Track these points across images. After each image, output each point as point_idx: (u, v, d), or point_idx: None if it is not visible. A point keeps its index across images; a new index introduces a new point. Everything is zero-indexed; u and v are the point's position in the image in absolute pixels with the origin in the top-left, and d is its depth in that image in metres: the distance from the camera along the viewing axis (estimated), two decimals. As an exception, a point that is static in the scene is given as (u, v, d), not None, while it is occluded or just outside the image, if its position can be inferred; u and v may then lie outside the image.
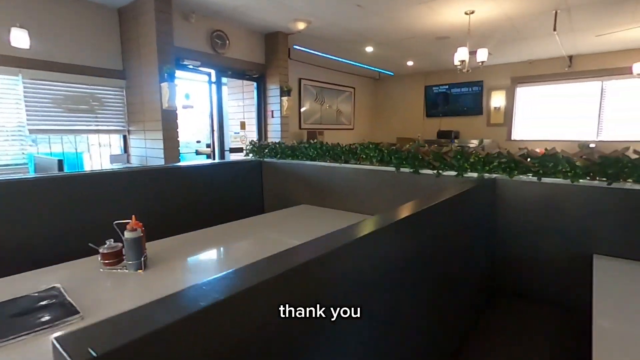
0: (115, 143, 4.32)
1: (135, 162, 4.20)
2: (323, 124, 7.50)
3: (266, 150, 2.87)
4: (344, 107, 8.08)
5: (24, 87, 3.42)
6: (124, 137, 4.27)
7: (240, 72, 4.91)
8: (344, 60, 6.71)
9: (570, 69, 6.54)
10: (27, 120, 3.47)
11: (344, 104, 8.03)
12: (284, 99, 5.03)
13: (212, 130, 4.71)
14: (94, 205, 1.88)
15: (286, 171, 2.76)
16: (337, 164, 2.43)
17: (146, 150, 4.01)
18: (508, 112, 7.32)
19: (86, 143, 4.16)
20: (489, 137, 7.30)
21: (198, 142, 4.78)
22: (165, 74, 3.60)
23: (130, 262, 1.30)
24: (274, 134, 5.20)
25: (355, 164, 2.36)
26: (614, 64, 6.12)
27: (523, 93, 7.20)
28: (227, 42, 4.53)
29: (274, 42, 4.99)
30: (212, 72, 4.60)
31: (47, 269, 1.31)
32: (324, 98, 7.41)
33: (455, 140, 7.41)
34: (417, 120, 8.52)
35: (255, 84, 5.17)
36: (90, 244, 1.35)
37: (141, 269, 1.30)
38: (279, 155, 2.77)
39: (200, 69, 4.40)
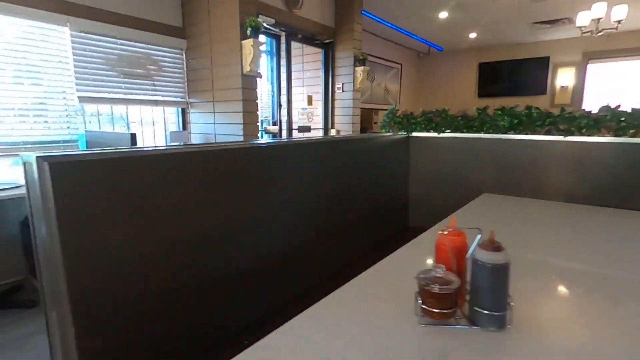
0: (169, 118, 3.58)
1: (197, 140, 3.47)
2: (372, 102, 6.77)
3: (412, 122, 2.17)
4: (391, 86, 7.34)
5: (72, 42, 2.66)
6: (182, 111, 3.53)
7: (309, 37, 4.15)
8: (405, 32, 5.95)
9: (656, 42, 5.85)
10: (77, 85, 2.72)
11: (391, 82, 7.29)
12: (359, 69, 4.29)
13: (280, 106, 3.97)
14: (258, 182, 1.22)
15: (451, 148, 2.08)
16: (551, 138, 1.76)
17: (214, 127, 3.28)
18: (577, 92, 6.65)
19: (138, 118, 3.41)
20: (552, 119, 6.63)
21: (264, 119, 4.05)
22: (249, 29, 2.84)
23: (481, 313, 0.63)
24: (342, 111, 4.48)
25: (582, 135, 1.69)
26: None
27: (595, 70, 6.51)
28: (301, -3, 3.76)
29: (347, 1, 4.22)
30: (282, 34, 3.83)
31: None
32: (375, 75, 6.67)
33: (519, 122, 6.73)
34: (466, 100, 7.81)
35: (322, 51, 4.41)
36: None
37: (503, 326, 0.63)
38: (434, 128, 2.08)
39: (271, 28, 3.64)
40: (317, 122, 4.55)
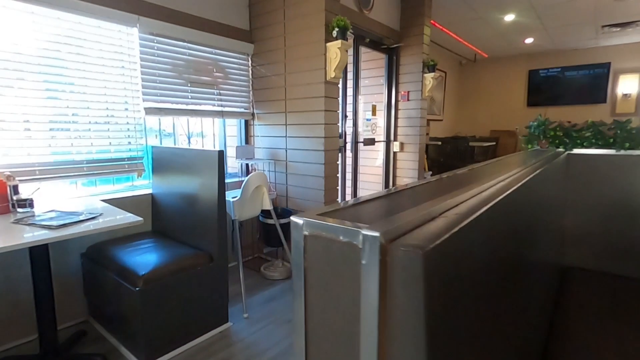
0: (226, 131, 3.22)
1: (262, 155, 3.10)
2: (419, 113, 6.37)
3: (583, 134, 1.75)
4: (436, 94, 6.94)
5: (140, 46, 2.32)
6: (245, 123, 3.17)
7: (377, 40, 3.79)
8: (455, 37, 5.57)
9: None
10: (144, 94, 2.37)
11: (435, 90, 6.89)
12: (428, 76, 3.91)
13: (345, 117, 3.59)
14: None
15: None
16: None
17: (285, 141, 2.91)
18: (641, 100, 6.16)
19: (196, 130, 3.06)
20: (614, 129, 6.14)
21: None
22: (336, 29, 2.48)
23: None
24: (406, 122, 4.08)
25: None
26: None
27: (663, 76, 6.02)
28: (372, -3, 3.41)
29: (417, 2, 3.86)
30: (351, 37, 3.47)
31: None
32: (422, 82, 6.28)
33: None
34: (514, 110, 7.36)
35: (386, 56, 4.04)
36: None
37: None
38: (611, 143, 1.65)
39: (341, 32, 3.28)
40: (379, 133, 4.16)
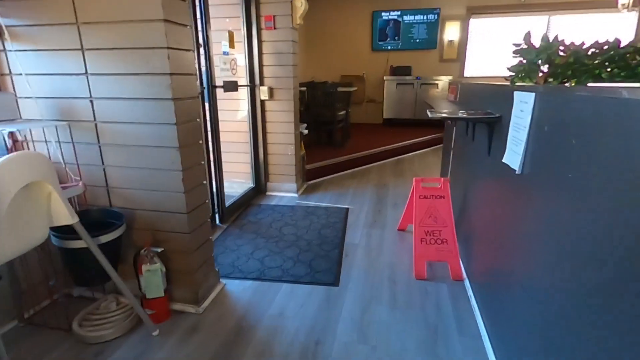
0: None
1: (40, 113, 1.60)
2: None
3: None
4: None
5: None
6: (-15, 48, 1.54)
7: None
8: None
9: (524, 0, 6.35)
10: None
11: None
12: (299, -5, 2.93)
13: (198, 47, 2.31)
14: None
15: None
16: None
17: (88, 83, 1.51)
18: (462, 47, 6.83)
19: None
20: (442, 74, 6.73)
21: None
22: None
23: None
24: (274, 59, 3.07)
25: None
26: (568, -3, 6.18)
27: (477, 25, 6.77)
28: None
29: None
30: None
31: None
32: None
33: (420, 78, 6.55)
34: (361, 54, 7.21)
35: (239, -38, 2.81)
36: None
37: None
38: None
39: None
40: (240, 75, 3.03)
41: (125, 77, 1.47)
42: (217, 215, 2.65)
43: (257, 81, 3.11)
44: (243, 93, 3.14)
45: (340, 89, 4.57)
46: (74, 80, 1.53)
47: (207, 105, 2.41)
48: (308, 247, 2.32)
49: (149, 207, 1.62)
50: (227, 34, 2.69)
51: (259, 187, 3.36)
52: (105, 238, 1.45)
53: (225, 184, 3.45)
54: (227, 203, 2.84)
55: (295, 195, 3.33)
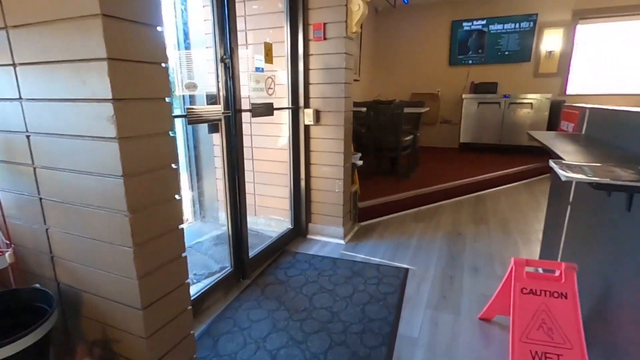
0: None
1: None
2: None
3: None
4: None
5: None
6: None
7: None
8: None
9: (656, -2, 4.99)
10: None
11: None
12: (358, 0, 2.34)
13: (221, 61, 1.84)
14: None
15: None
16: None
17: (22, 111, 1.07)
18: (564, 58, 5.62)
19: None
20: (537, 92, 5.56)
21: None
22: None
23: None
24: (324, 76, 2.50)
25: None
26: None
27: (585, 32, 5.53)
28: None
29: None
30: None
31: None
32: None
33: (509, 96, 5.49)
34: (437, 70, 6.37)
35: (285, -40, 2.32)
36: None
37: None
38: None
39: None
40: (281, 95, 2.52)
41: (62, 104, 0.98)
42: (232, 269, 2.10)
43: (301, 102, 2.56)
44: (285, 116, 2.61)
45: (408, 110, 3.84)
46: (7, 106, 1.09)
47: (223, 132, 1.90)
48: (343, 337, 1.64)
49: (99, 291, 1.11)
50: (263, 47, 2.19)
51: (298, 229, 2.78)
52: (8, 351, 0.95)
53: (262, 220, 2.94)
54: (256, 250, 2.29)
55: (342, 242, 2.67)
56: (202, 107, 1.73)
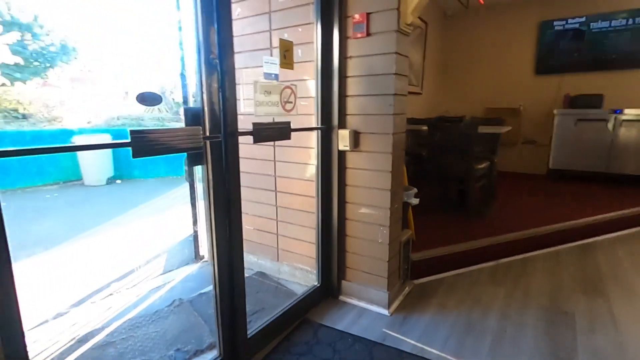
0: None
1: None
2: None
3: None
4: (413, 54, 4.74)
5: None
6: None
7: None
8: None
9: None
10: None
11: (412, 50, 4.68)
12: (413, -28, 1.66)
13: (211, 65, 1.29)
14: None
15: None
16: None
17: None
18: (702, 61, 4.26)
19: None
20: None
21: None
22: None
23: None
24: (366, 85, 1.83)
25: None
26: None
27: None
28: None
29: None
30: None
31: None
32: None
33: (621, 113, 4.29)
34: (519, 80, 5.31)
35: None
36: None
37: None
38: None
39: None
40: (304, 111, 1.91)
41: None
42: (219, 358, 1.49)
43: (335, 121, 1.91)
44: (312, 139, 1.99)
45: (483, 129, 2.99)
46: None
47: (209, 164, 1.32)
48: None
49: None
50: (279, 46, 1.60)
51: (328, 287, 2.10)
52: None
53: (285, 268, 2.32)
54: (260, 323, 1.67)
55: (385, 312, 1.93)
56: (165, 131, 1.17)
